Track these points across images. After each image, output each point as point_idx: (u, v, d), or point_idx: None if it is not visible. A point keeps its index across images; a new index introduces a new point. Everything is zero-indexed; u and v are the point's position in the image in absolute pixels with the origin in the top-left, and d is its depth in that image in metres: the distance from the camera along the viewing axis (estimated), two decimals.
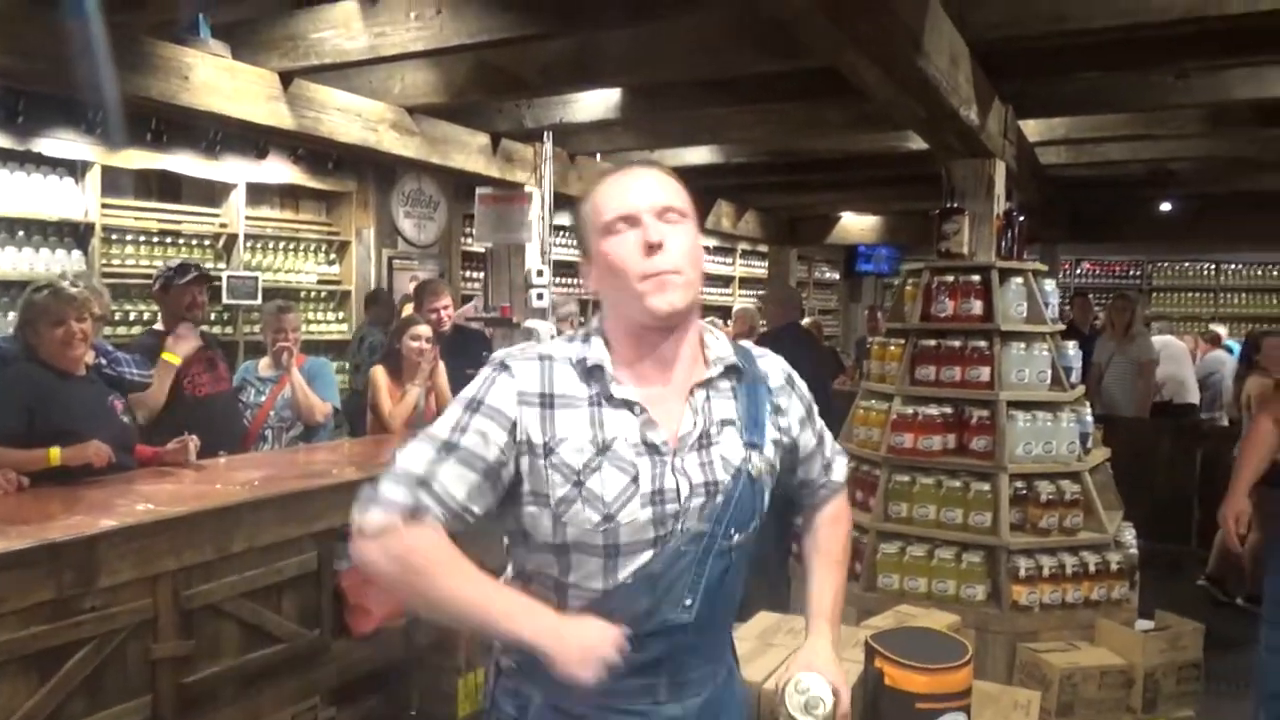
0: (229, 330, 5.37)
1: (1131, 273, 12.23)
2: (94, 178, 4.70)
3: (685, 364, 1.38)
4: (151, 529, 2.55)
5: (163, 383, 3.62)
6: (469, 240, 6.94)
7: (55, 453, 2.87)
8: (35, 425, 2.92)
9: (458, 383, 4.42)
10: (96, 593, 2.42)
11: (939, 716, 2.02)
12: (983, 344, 3.92)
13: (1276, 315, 11.31)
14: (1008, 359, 3.90)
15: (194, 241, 5.32)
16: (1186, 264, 12.03)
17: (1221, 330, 8.97)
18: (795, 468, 1.54)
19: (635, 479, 1.30)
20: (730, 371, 1.41)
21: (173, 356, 3.65)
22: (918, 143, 5.17)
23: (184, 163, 5.02)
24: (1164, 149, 6.42)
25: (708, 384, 1.39)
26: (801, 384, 1.54)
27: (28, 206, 4.51)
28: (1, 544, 2.28)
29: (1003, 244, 4.23)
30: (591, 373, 1.33)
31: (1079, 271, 12.32)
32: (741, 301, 9.49)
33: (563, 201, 6.92)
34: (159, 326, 3.85)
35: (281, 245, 5.80)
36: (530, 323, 5.11)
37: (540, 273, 5.49)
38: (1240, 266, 11.81)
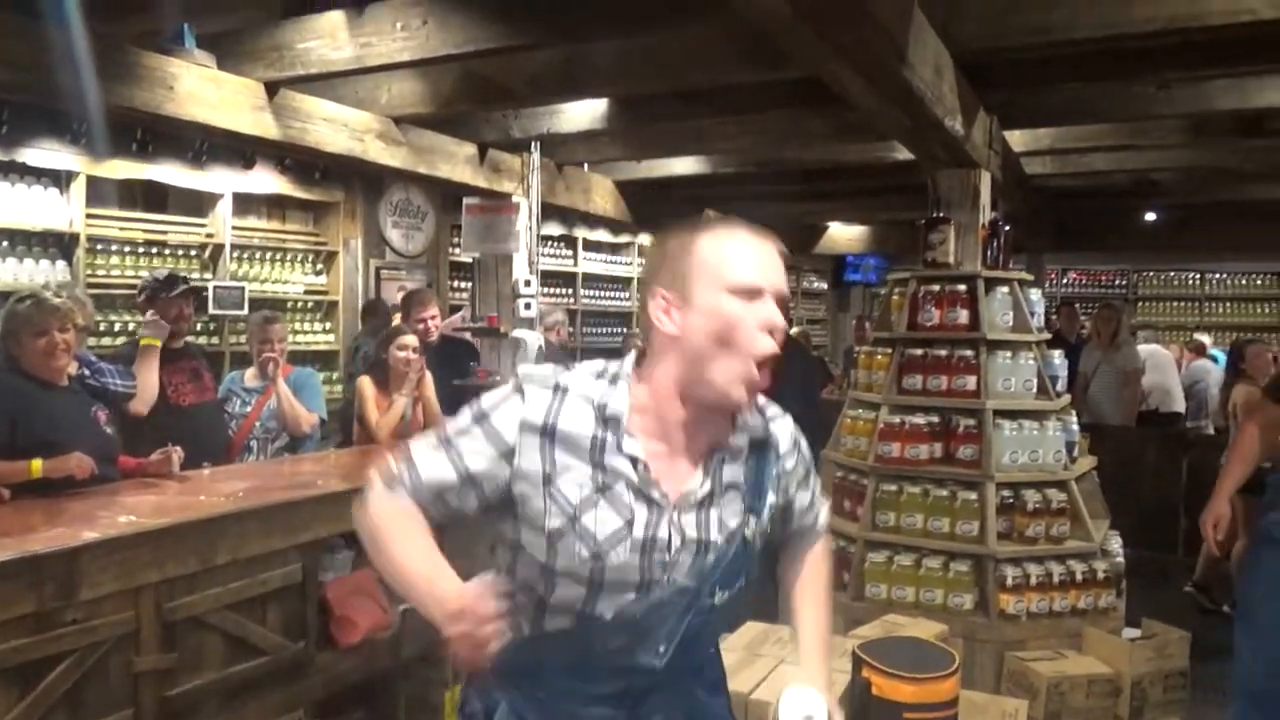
0: (215, 341, 5.34)
1: (1117, 282, 12.31)
2: (79, 188, 4.67)
3: (707, 429, 1.37)
4: (134, 541, 2.53)
5: (149, 369, 3.61)
6: (457, 250, 6.94)
7: (37, 464, 2.84)
8: (17, 436, 2.90)
9: (445, 393, 4.41)
10: (78, 605, 2.39)
11: None
12: (969, 353, 3.93)
13: (1260, 324, 11.41)
14: (994, 368, 3.91)
15: (180, 252, 5.30)
16: (1171, 273, 12.12)
17: (1206, 339, 9.03)
18: (789, 522, 1.56)
19: (629, 523, 1.31)
20: (751, 440, 1.42)
21: (152, 340, 3.65)
22: (904, 153, 5.20)
23: (170, 173, 5.00)
24: (1147, 159, 6.47)
25: (727, 449, 1.39)
26: (805, 445, 1.55)
27: (12, 217, 4.48)
28: None
29: (988, 253, 4.25)
30: (608, 421, 1.33)
31: (1065, 281, 12.40)
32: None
33: (550, 211, 6.93)
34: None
35: (268, 255, 5.77)
36: (517, 332, 5.11)
37: (528, 282, 5.50)
38: (1224, 276, 11.91)
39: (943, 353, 3.96)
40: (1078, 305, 8.80)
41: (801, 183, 7.50)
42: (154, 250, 5.15)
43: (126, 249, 5.02)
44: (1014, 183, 6.00)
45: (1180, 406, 7.21)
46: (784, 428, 1.49)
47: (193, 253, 5.37)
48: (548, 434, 1.31)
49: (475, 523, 1.40)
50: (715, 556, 1.36)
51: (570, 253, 8.31)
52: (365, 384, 4.15)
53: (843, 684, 2.37)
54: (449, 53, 3.85)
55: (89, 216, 4.76)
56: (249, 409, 4.12)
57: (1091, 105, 4.92)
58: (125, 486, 3.12)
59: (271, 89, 4.43)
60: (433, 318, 4.65)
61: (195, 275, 5.11)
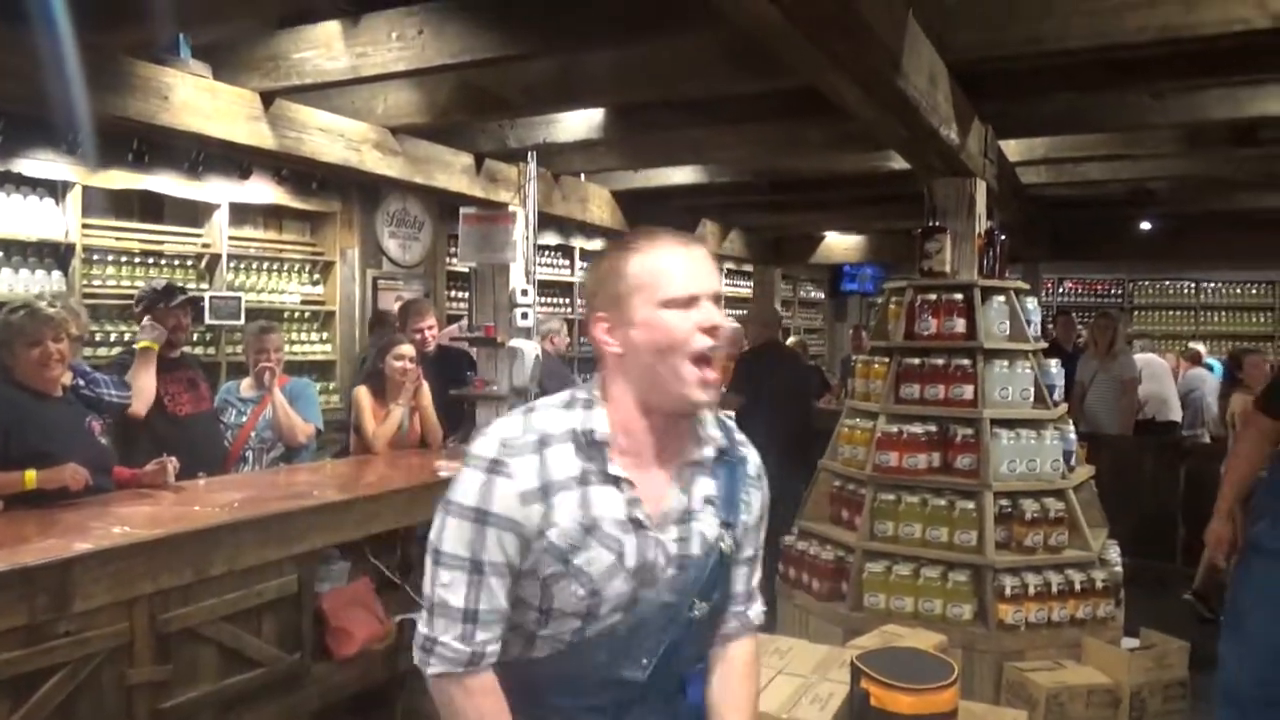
0: (211, 351, 5.33)
1: (1113, 291, 12.34)
2: (75, 198, 4.67)
3: (680, 441, 1.41)
4: (128, 552, 2.52)
5: (147, 373, 3.61)
6: (454, 260, 6.93)
7: (31, 475, 2.84)
8: (11, 447, 2.89)
9: (442, 403, 4.40)
10: (71, 617, 2.38)
11: None
12: (966, 362, 3.93)
13: (1256, 333, 11.44)
14: (991, 377, 3.91)
15: (176, 262, 5.29)
16: (1167, 283, 12.15)
17: (1201, 348, 9.04)
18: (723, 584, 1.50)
19: (620, 555, 1.34)
20: (718, 452, 1.45)
21: (150, 344, 3.64)
22: (900, 162, 5.20)
23: (166, 183, 5.00)
24: (1142, 169, 6.49)
25: (696, 463, 1.42)
26: (766, 490, 1.55)
27: (8, 227, 4.48)
28: None
29: (985, 263, 4.26)
30: (591, 448, 1.34)
31: (1061, 290, 12.42)
32: (728, 322, 9.51)
33: (547, 221, 6.93)
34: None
35: (265, 266, 5.77)
36: (515, 342, 5.10)
37: (525, 292, 5.49)
38: (1219, 285, 11.94)
39: (940, 362, 3.96)
40: (1074, 314, 8.81)
41: (798, 192, 7.51)
42: (150, 260, 5.15)
43: (123, 259, 5.01)
44: (1009, 192, 6.01)
45: (1177, 415, 7.22)
46: (752, 456, 1.54)
47: (189, 263, 5.37)
48: (543, 495, 1.32)
49: None
50: (695, 571, 1.40)
51: (567, 262, 8.31)
52: (362, 394, 4.15)
53: (841, 695, 2.36)
54: (445, 62, 3.85)
55: (85, 227, 4.75)
56: (245, 419, 4.11)
57: (1086, 115, 4.92)
58: (119, 497, 3.12)
59: (267, 99, 4.42)
60: (430, 328, 4.65)
61: (192, 285, 5.10)
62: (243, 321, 5.24)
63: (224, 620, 2.77)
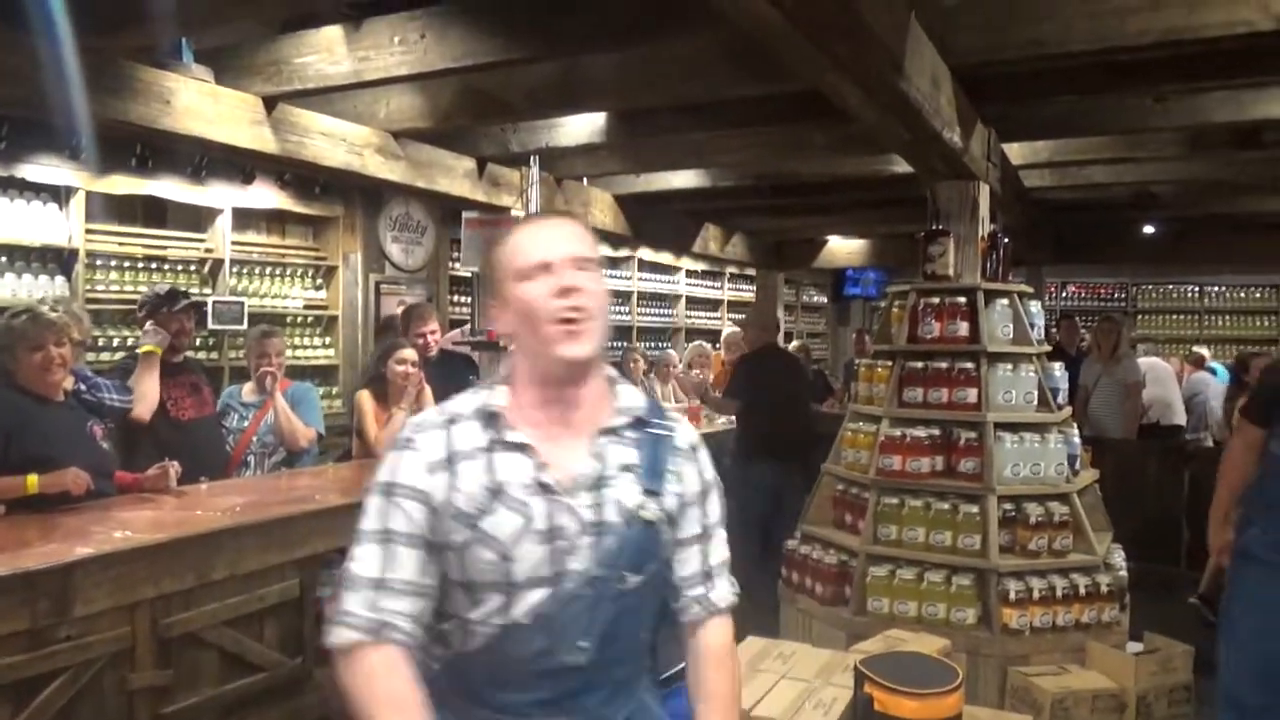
0: (214, 356, 5.33)
1: (1116, 295, 12.32)
2: (78, 203, 4.67)
3: (588, 410, 1.44)
4: (129, 556, 2.51)
5: (150, 376, 3.61)
6: (456, 265, 6.93)
7: (33, 480, 2.83)
8: (12, 451, 2.89)
9: None
10: (72, 622, 2.38)
11: None
12: (969, 365, 3.92)
13: (1260, 337, 11.41)
14: (994, 380, 3.90)
15: (179, 267, 5.29)
16: (1170, 286, 12.13)
17: (1205, 352, 9.02)
18: (671, 553, 1.48)
19: (529, 518, 1.35)
20: (637, 423, 1.46)
21: (153, 348, 3.65)
22: (902, 166, 5.20)
23: (169, 188, 5.00)
24: (1145, 172, 6.48)
25: (610, 431, 1.44)
26: (705, 464, 1.53)
27: (11, 232, 4.48)
28: None
29: (988, 266, 4.25)
30: (490, 419, 1.40)
31: (1065, 294, 12.41)
32: (731, 326, 9.50)
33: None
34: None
35: (268, 270, 5.77)
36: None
37: None
38: (1223, 289, 11.92)
39: (943, 365, 3.95)
40: (1077, 318, 8.80)
41: (800, 196, 7.51)
42: (153, 265, 5.15)
43: (126, 264, 5.01)
44: (1012, 195, 6.00)
45: (1181, 419, 7.20)
46: (684, 430, 1.53)
47: (192, 268, 5.37)
48: (448, 463, 1.37)
49: None
50: (617, 540, 1.38)
51: None
52: (364, 398, 4.14)
53: (845, 700, 2.35)
54: (447, 66, 3.85)
55: (88, 232, 4.75)
56: (246, 423, 4.11)
57: (1088, 118, 4.92)
58: (121, 501, 3.11)
59: (269, 103, 4.44)
60: (432, 332, 4.64)
61: (195, 290, 5.10)
62: (245, 326, 5.24)
63: (225, 625, 2.76)
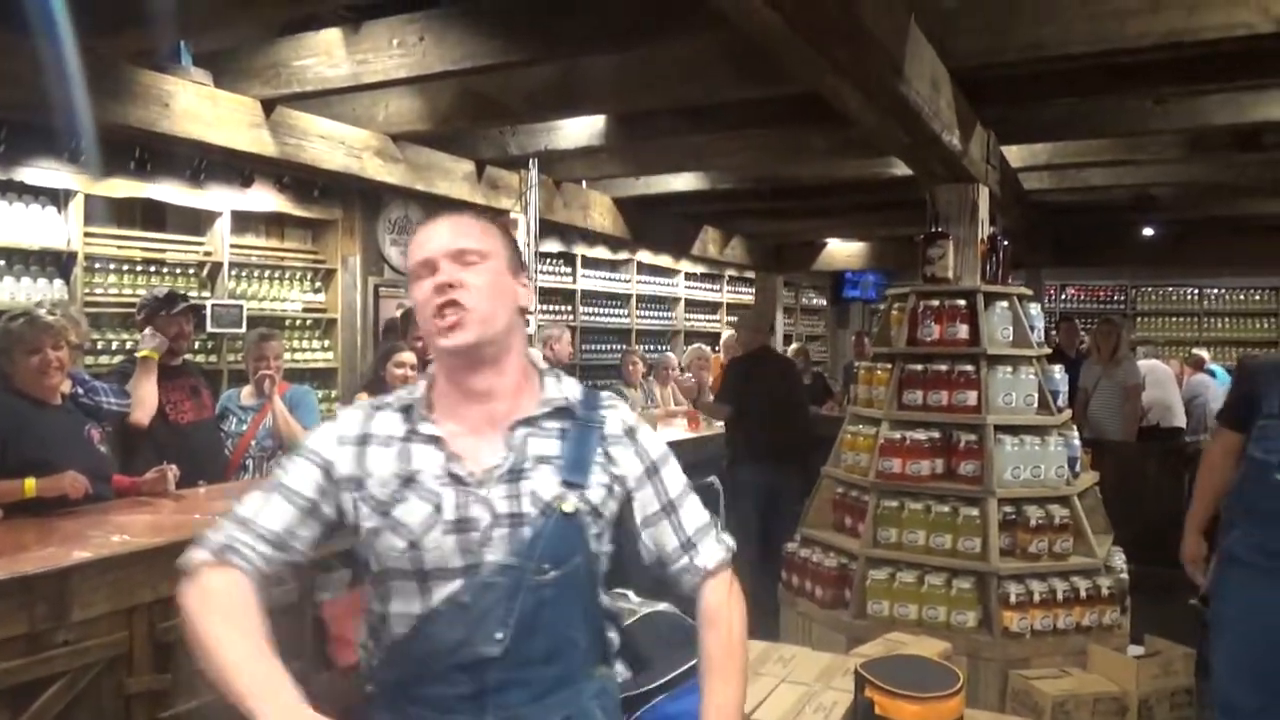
0: (213, 359, 5.33)
1: (1116, 298, 12.33)
2: (77, 206, 4.66)
3: (505, 400, 1.44)
4: (127, 560, 2.50)
5: (148, 381, 3.60)
6: None
7: (30, 483, 2.83)
8: (9, 455, 2.88)
9: None
10: (70, 626, 2.37)
11: None
12: (969, 368, 3.92)
13: (1259, 339, 11.42)
14: (994, 383, 3.90)
15: (178, 270, 5.29)
16: (1170, 289, 12.14)
17: (1205, 354, 9.02)
18: (641, 533, 1.50)
19: (438, 507, 1.37)
20: (561, 414, 1.46)
21: (150, 353, 3.64)
22: (901, 168, 5.20)
23: (168, 191, 5.00)
24: (1145, 174, 6.48)
25: (530, 422, 1.43)
26: (649, 443, 1.52)
27: (10, 236, 4.47)
28: None
29: (988, 268, 4.25)
30: (405, 411, 1.44)
31: (1064, 296, 12.41)
32: (731, 329, 9.51)
33: (548, 228, 6.93)
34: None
35: (266, 273, 5.76)
36: None
37: None
38: (1222, 291, 11.92)
39: (943, 368, 3.95)
40: (1077, 321, 8.80)
41: (800, 199, 7.51)
42: (152, 269, 5.14)
43: (124, 267, 5.01)
44: (1012, 198, 6.00)
45: (1181, 421, 7.19)
46: (616, 415, 1.51)
47: (191, 271, 5.36)
48: (360, 441, 1.41)
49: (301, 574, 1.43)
50: (532, 530, 1.37)
51: (569, 270, 8.30)
52: (363, 400, 4.13)
53: (845, 704, 2.34)
54: (446, 69, 3.85)
55: (87, 235, 4.75)
56: (245, 427, 4.10)
57: (1088, 120, 4.92)
58: (119, 505, 3.10)
59: (268, 106, 4.43)
60: None
61: (193, 293, 5.09)
62: (244, 329, 5.23)
63: None
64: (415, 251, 1.43)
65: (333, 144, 4.86)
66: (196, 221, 5.39)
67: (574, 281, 8.33)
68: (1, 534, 2.68)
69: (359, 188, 5.65)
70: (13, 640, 2.26)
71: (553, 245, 7.81)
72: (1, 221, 4.45)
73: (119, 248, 4.98)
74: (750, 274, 10.94)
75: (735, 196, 7.33)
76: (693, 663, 1.82)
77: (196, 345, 5.05)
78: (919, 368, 4.01)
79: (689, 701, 1.71)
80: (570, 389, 1.49)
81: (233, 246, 5.45)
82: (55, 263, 4.70)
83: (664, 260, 9.47)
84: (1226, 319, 11.92)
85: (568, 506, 1.40)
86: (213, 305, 5.20)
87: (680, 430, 6.33)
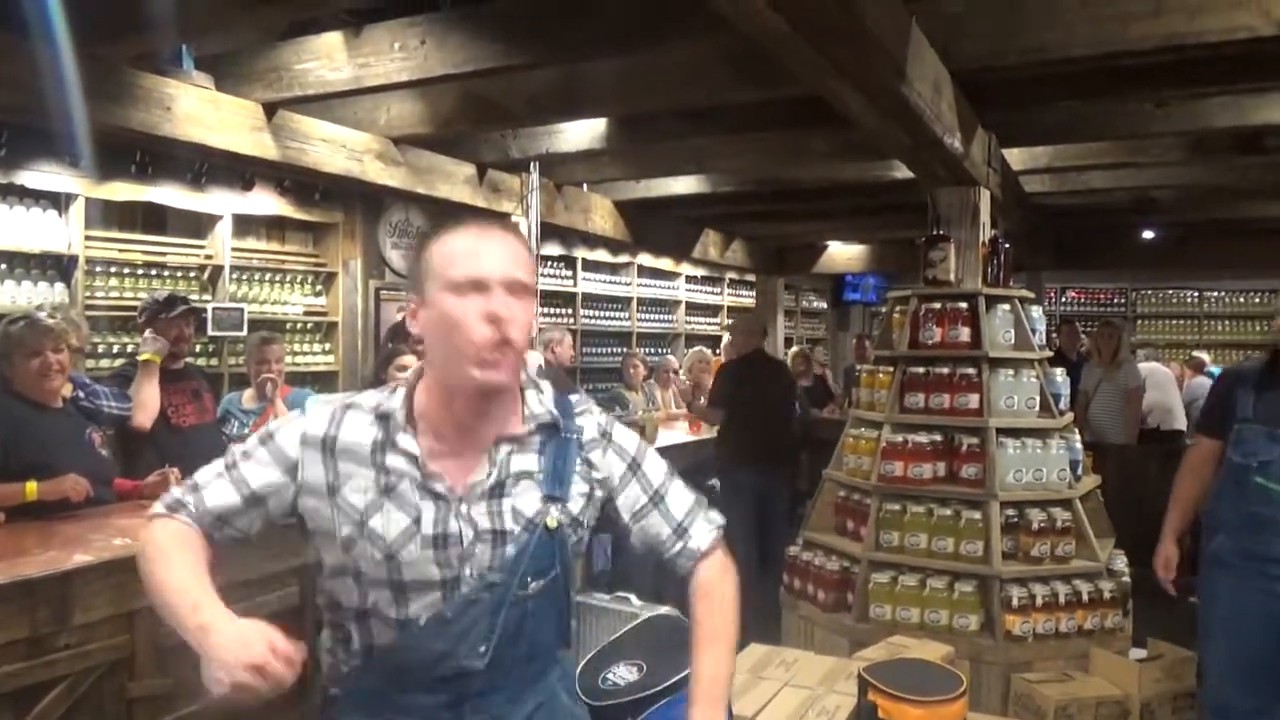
0: (214, 362, 5.32)
1: (1116, 300, 12.32)
2: (78, 210, 4.66)
3: (492, 421, 1.40)
4: (129, 564, 2.47)
5: (150, 384, 3.59)
6: None
7: (32, 486, 2.83)
8: (10, 459, 2.88)
9: None
10: (72, 630, 2.37)
11: None
12: (971, 371, 3.91)
13: (1259, 342, 11.40)
14: (996, 386, 3.89)
15: (179, 273, 5.29)
16: (1170, 291, 12.13)
17: (1205, 357, 9.01)
18: (632, 527, 1.50)
19: (417, 520, 1.34)
20: (542, 429, 1.44)
21: (151, 356, 3.63)
22: (903, 171, 5.20)
23: (169, 195, 5.00)
24: (1146, 177, 6.48)
25: (512, 439, 1.41)
26: (625, 440, 1.52)
27: (10, 239, 4.47)
28: None
29: (989, 271, 4.24)
30: (382, 419, 1.39)
31: (1064, 299, 12.41)
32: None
33: (549, 231, 6.93)
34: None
35: (267, 277, 5.76)
36: None
37: None
38: (1222, 293, 11.92)
39: (945, 371, 3.94)
40: (1077, 323, 8.80)
41: (801, 202, 7.51)
42: (153, 272, 5.14)
43: (125, 271, 5.00)
44: (1013, 201, 6.00)
45: (1182, 424, 7.18)
46: (591, 420, 1.49)
47: (192, 274, 5.36)
48: (328, 446, 1.37)
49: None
50: (515, 547, 1.37)
51: (570, 273, 8.30)
52: None
53: (848, 707, 2.33)
54: (447, 72, 3.85)
55: (88, 238, 4.75)
56: (247, 430, 4.09)
57: (1089, 123, 4.92)
58: (120, 509, 3.10)
59: (270, 110, 4.43)
60: None
61: (194, 297, 5.09)
62: (245, 333, 5.23)
63: None
64: (464, 264, 1.32)
65: (334, 147, 4.86)
66: (197, 225, 5.39)
67: (575, 284, 8.33)
68: (3, 537, 2.68)
69: (360, 191, 5.65)
70: (14, 644, 2.25)
71: (554, 248, 7.81)
72: (2, 225, 4.45)
73: (120, 251, 4.98)
74: (751, 277, 10.94)
75: (736, 199, 7.33)
76: (679, 676, 1.80)
77: (197, 348, 5.05)
78: (921, 370, 4.00)
79: (677, 712, 1.70)
80: (549, 401, 1.47)
81: (234, 250, 5.45)
82: (56, 266, 4.70)
83: (665, 263, 9.47)
84: (1227, 322, 11.92)
85: (551, 522, 1.39)
86: (214, 308, 5.20)
87: (681, 433, 6.32)
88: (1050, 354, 4.34)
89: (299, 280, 5.97)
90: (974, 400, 3.88)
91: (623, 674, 1.81)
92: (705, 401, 5.77)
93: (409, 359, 4.13)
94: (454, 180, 5.74)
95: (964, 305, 4.02)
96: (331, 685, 1.46)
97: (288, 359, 4.58)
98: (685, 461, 5.71)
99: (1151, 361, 7.85)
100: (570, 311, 8.32)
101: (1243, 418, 2.86)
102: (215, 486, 1.40)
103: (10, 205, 4.49)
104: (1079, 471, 4.06)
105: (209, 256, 5.40)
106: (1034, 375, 3.97)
